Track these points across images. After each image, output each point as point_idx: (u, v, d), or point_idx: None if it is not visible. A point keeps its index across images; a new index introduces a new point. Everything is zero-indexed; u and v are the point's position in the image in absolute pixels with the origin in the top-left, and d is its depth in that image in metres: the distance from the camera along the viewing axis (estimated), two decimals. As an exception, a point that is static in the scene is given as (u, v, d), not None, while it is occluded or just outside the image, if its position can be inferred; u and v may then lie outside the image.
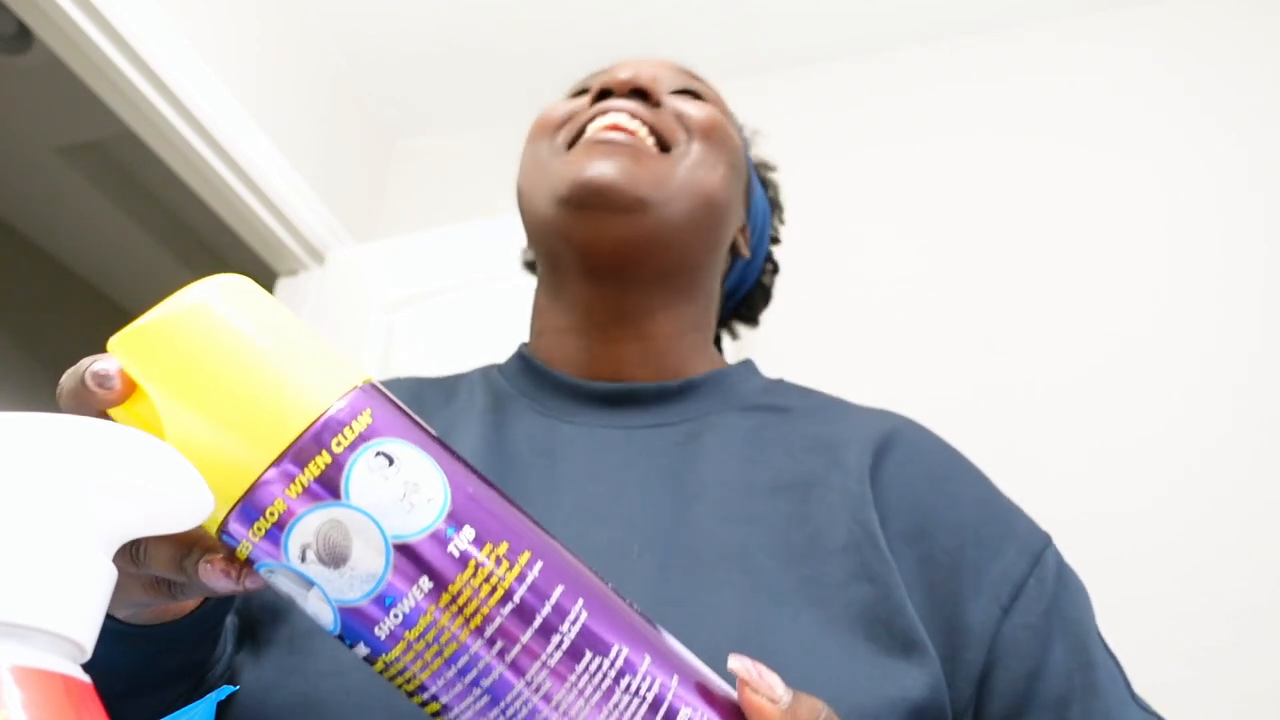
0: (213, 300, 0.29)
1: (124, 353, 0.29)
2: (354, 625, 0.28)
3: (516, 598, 0.27)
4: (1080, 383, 1.50)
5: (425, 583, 0.27)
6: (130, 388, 0.28)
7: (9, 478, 0.24)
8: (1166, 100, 1.68)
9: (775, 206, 0.74)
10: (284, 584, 0.28)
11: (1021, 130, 1.75)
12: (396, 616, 0.27)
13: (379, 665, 0.28)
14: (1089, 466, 1.41)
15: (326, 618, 0.28)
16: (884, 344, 1.62)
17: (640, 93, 0.56)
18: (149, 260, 2.86)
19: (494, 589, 0.27)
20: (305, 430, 0.27)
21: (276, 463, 0.27)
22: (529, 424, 0.55)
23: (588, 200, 0.52)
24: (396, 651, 0.28)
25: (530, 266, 0.72)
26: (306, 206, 1.89)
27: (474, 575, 0.27)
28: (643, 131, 0.55)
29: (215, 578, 0.29)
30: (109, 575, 0.25)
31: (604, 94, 0.56)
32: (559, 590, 0.28)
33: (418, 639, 0.27)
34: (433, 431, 0.30)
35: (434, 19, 1.96)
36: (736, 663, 0.30)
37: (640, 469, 0.52)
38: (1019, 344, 1.56)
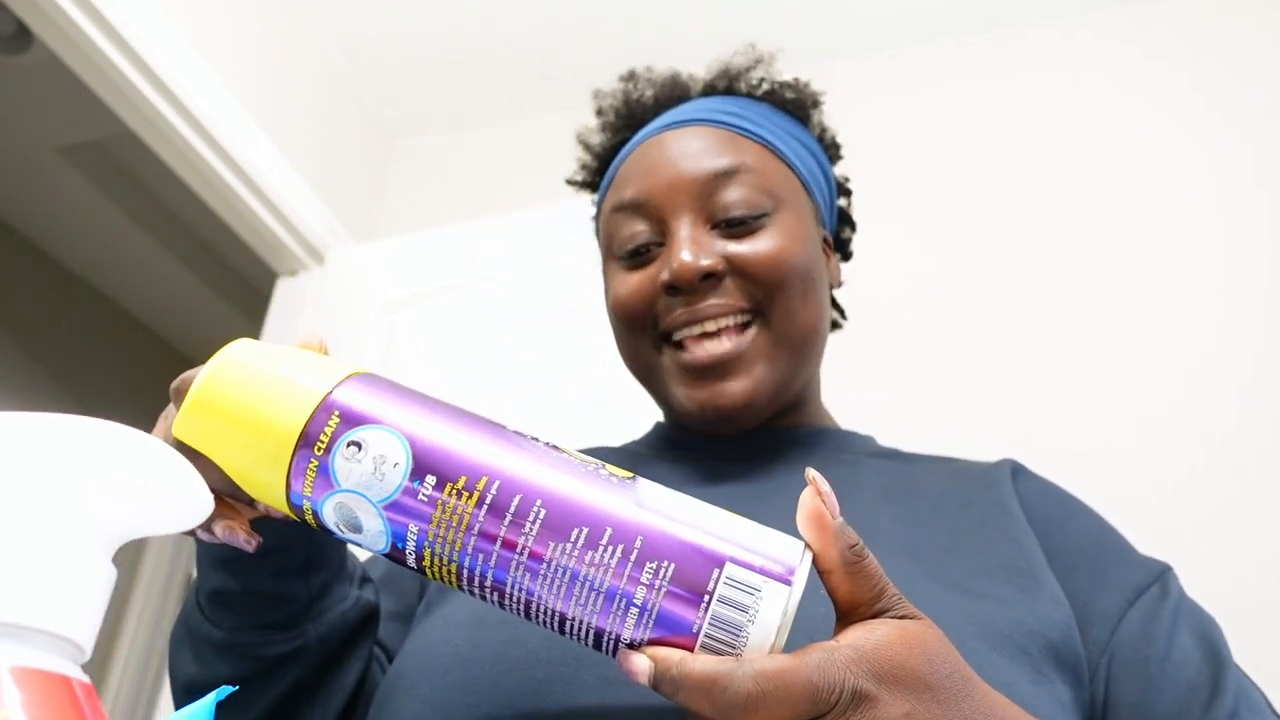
0: (202, 395, 0.37)
1: (183, 434, 0.38)
2: (396, 562, 0.37)
3: (482, 516, 0.34)
4: (1084, 380, 1.50)
5: (414, 526, 0.35)
6: None
7: (9, 478, 0.24)
8: (1171, 97, 1.68)
9: (833, 157, 0.72)
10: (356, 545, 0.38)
11: (1025, 127, 1.75)
12: (410, 554, 0.36)
13: (432, 578, 0.37)
14: (1094, 464, 1.41)
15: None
16: (889, 341, 1.61)
17: (707, 274, 0.58)
18: (149, 260, 2.86)
19: (461, 517, 0.34)
20: (293, 452, 0.36)
21: (289, 480, 0.36)
22: (671, 475, 0.62)
23: (717, 419, 0.59)
24: (428, 573, 0.36)
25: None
26: (306, 206, 1.89)
27: (444, 511, 0.35)
28: (727, 323, 0.58)
29: (233, 538, 0.39)
30: (109, 575, 0.25)
31: (674, 288, 0.58)
32: (517, 499, 0.34)
33: (430, 565, 0.36)
34: (401, 390, 0.38)
35: (434, 19, 1.96)
36: (811, 471, 0.36)
37: (797, 489, 0.57)
38: (1023, 341, 1.56)
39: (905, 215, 1.74)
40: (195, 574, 0.52)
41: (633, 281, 0.61)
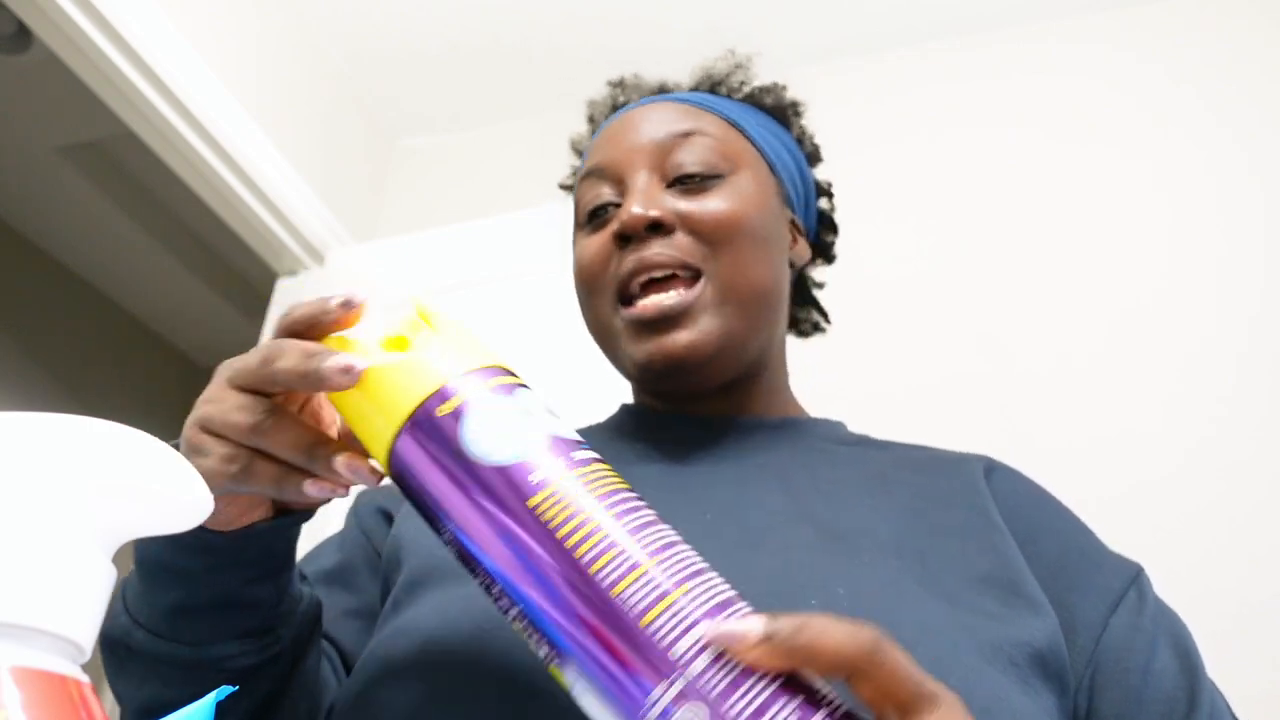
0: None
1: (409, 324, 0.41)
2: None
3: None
4: (1071, 378, 1.50)
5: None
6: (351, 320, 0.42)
7: (9, 478, 0.24)
8: (1164, 98, 1.68)
9: (813, 160, 0.73)
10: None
11: (1015, 127, 1.75)
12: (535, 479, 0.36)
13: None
14: (1078, 461, 1.41)
15: None
16: (874, 336, 1.62)
17: (655, 224, 0.60)
18: (149, 260, 2.86)
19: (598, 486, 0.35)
20: (422, 400, 0.37)
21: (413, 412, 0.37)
22: (647, 464, 0.61)
23: (665, 369, 0.59)
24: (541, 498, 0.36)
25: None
26: (306, 206, 1.89)
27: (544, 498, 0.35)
28: (678, 280, 0.59)
29: (357, 470, 0.39)
30: (109, 575, 0.25)
31: (624, 238, 0.60)
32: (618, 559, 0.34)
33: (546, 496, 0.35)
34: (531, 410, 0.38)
35: (434, 19, 1.96)
36: (712, 635, 0.32)
37: (771, 478, 0.57)
38: (1010, 339, 1.56)
39: (897, 213, 1.74)
40: (126, 595, 0.49)
41: (592, 242, 0.63)
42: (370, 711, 0.47)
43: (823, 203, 0.75)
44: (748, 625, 0.31)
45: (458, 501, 0.35)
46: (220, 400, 0.41)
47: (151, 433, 0.26)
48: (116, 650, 0.49)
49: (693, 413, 0.64)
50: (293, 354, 0.39)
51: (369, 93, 2.15)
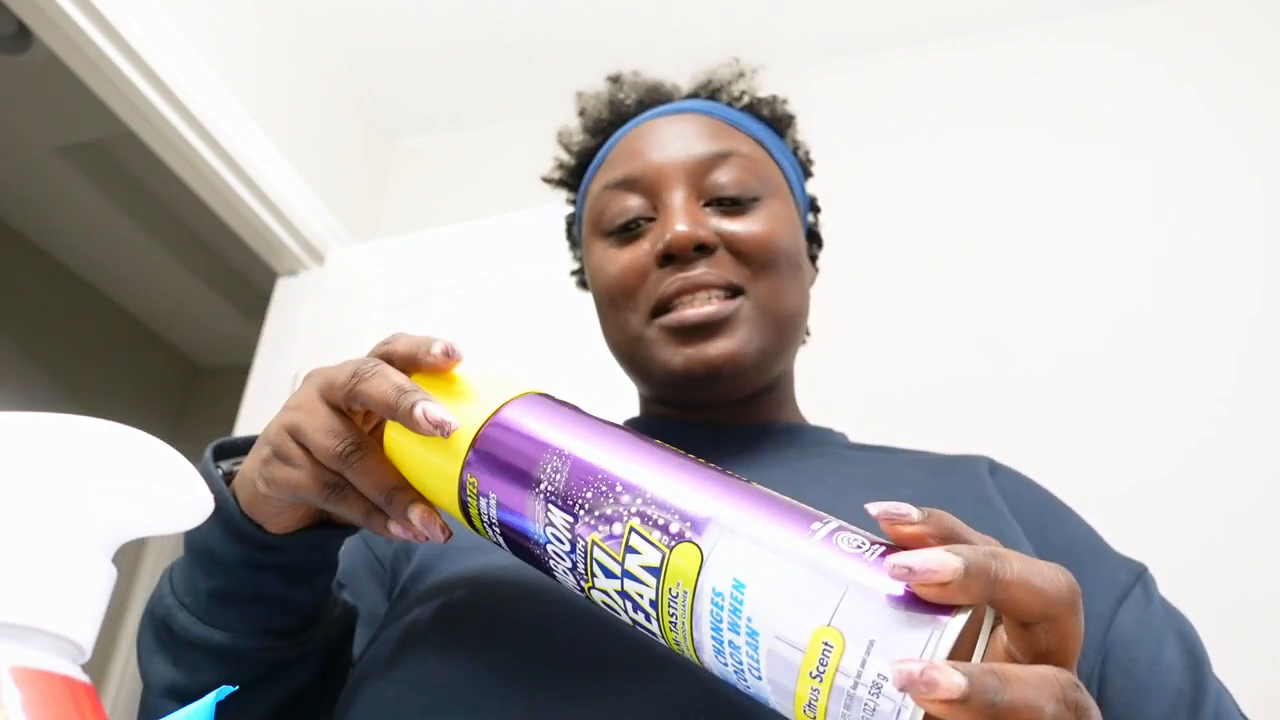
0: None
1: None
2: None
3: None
4: (1070, 379, 1.50)
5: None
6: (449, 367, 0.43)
7: (9, 478, 0.24)
8: (1164, 99, 1.68)
9: (807, 174, 0.74)
10: None
11: (1014, 128, 1.75)
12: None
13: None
14: (1077, 461, 1.41)
15: None
16: (873, 337, 1.62)
17: (700, 245, 0.59)
18: (149, 260, 2.86)
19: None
20: (483, 423, 0.39)
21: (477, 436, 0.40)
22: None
23: (703, 376, 0.59)
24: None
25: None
26: (306, 206, 1.89)
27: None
28: (716, 295, 0.59)
29: (429, 524, 0.40)
30: (109, 575, 0.25)
31: (667, 257, 0.59)
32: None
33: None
34: (577, 410, 0.40)
35: (433, 19, 1.96)
36: (874, 509, 0.32)
37: (778, 476, 0.58)
38: (1010, 339, 1.56)
39: (898, 213, 1.74)
40: (173, 576, 0.49)
41: (624, 257, 0.62)
42: (397, 678, 0.47)
43: (810, 217, 0.76)
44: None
45: (588, 428, 0.39)
46: (311, 413, 0.42)
47: (151, 433, 0.26)
48: (159, 629, 0.49)
49: (703, 421, 0.64)
50: (383, 377, 0.40)
51: (369, 93, 2.15)
